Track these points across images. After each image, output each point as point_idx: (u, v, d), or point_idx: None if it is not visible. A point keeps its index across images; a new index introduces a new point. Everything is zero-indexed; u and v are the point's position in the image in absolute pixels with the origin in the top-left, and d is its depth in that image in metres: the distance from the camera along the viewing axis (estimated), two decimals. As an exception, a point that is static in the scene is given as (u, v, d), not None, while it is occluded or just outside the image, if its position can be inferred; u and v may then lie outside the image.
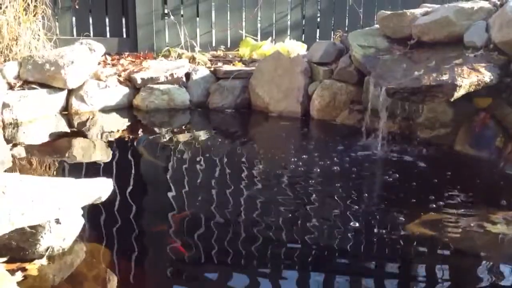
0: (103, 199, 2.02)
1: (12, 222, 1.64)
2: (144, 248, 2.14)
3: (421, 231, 2.22)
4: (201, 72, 4.75)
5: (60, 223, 1.87)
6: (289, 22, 6.05)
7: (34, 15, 4.62)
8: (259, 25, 5.97)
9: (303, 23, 6.11)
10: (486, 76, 3.07)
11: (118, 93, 4.47)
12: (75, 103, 4.25)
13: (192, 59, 5.14)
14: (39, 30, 4.67)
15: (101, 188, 1.99)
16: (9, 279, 1.62)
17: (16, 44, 4.44)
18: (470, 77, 3.04)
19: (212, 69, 4.87)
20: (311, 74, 4.46)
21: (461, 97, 3.06)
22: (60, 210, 1.82)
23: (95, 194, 1.96)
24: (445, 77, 3.06)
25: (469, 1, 3.71)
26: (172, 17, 5.61)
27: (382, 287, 1.90)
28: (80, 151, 3.49)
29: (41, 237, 1.84)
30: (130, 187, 2.77)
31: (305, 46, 5.37)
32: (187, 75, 4.69)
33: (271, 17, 5.96)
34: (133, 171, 3.06)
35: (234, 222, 2.34)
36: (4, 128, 3.76)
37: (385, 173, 3.01)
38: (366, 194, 2.68)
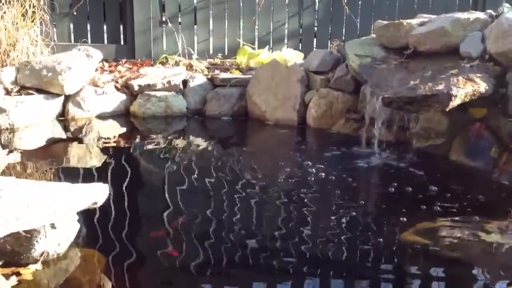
0: (99, 204, 2.02)
1: (7, 226, 1.64)
2: (139, 254, 2.14)
3: (415, 239, 2.22)
4: (198, 79, 4.76)
5: (55, 228, 1.87)
6: (286, 31, 6.07)
7: (32, 21, 4.63)
8: (256, 33, 5.98)
9: (300, 32, 6.12)
10: (482, 86, 3.08)
11: (115, 99, 4.47)
12: (72, 109, 4.26)
13: (190, 67, 5.16)
14: (37, 36, 4.68)
15: (97, 193, 1.99)
16: (3, 283, 1.62)
17: (14, 49, 4.45)
18: (465, 87, 3.06)
19: (209, 76, 4.88)
20: (308, 83, 4.48)
21: (456, 107, 3.07)
22: (55, 214, 1.82)
23: (91, 199, 1.96)
24: (440, 87, 3.07)
25: (465, 12, 3.74)
26: (170, 24, 5.62)
27: (377, 295, 1.91)
28: (76, 157, 3.49)
29: (36, 241, 1.83)
30: (126, 193, 2.77)
31: (302, 55, 5.39)
32: (184, 83, 4.70)
33: (268, 25, 5.98)
34: (128, 177, 3.06)
35: (229, 229, 2.33)
36: (0, 133, 3.76)
37: (381, 182, 3.03)
38: (361, 203, 2.69)
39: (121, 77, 4.71)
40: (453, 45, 3.51)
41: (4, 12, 4.40)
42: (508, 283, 1.89)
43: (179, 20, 5.73)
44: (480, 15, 3.61)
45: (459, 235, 2.25)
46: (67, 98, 4.28)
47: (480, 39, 3.44)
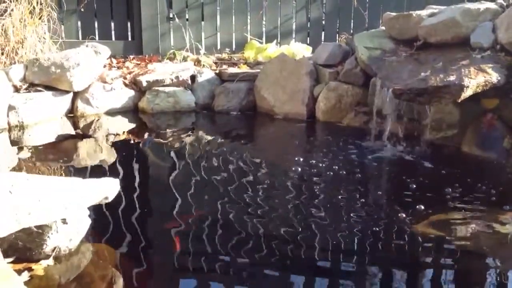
0: (110, 199, 2.01)
1: (19, 222, 1.64)
2: (150, 248, 2.13)
3: (428, 231, 2.20)
4: (206, 74, 4.75)
5: (66, 223, 1.87)
6: (294, 25, 6.05)
7: (40, 18, 4.63)
8: (264, 28, 5.96)
9: (308, 25, 6.10)
10: (493, 76, 3.05)
11: (123, 95, 4.47)
12: (80, 106, 4.25)
13: (197, 62, 5.14)
14: (45, 33, 4.68)
15: (108, 188, 1.98)
16: (16, 279, 1.61)
17: (22, 47, 4.45)
18: (477, 78, 3.03)
19: (217, 71, 4.87)
20: (317, 76, 4.45)
21: (468, 98, 3.05)
22: (67, 210, 1.81)
23: (102, 194, 1.96)
24: (452, 78, 3.04)
25: (475, 2, 3.70)
26: (177, 20, 5.61)
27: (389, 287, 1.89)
28: (86, 153, 3.49)
29: (48, 237, 1.83)
30: (136, 188, 2.76)
31: (310, 48, 5.36)
32: (192, 78, 4.69)
33: (276, 19, 5.95)
34: (139, 173, 3.06)
35: (241, 223, 2.32)
36: (10, 130, 3.76)
37: (392, 174, 3.00)
38: (373, 195, 2.67)
39: (129, 73, 4.71)
40: (464, 35, 3.48)
41: (12, 10, 4.40)
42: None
43: (186, 15, 5.71)
44: (491, 5, 3.57)
45: (473, 226, 2.23)
46: (76, 94, 4.27)
47: (491, 29, 3.41)
